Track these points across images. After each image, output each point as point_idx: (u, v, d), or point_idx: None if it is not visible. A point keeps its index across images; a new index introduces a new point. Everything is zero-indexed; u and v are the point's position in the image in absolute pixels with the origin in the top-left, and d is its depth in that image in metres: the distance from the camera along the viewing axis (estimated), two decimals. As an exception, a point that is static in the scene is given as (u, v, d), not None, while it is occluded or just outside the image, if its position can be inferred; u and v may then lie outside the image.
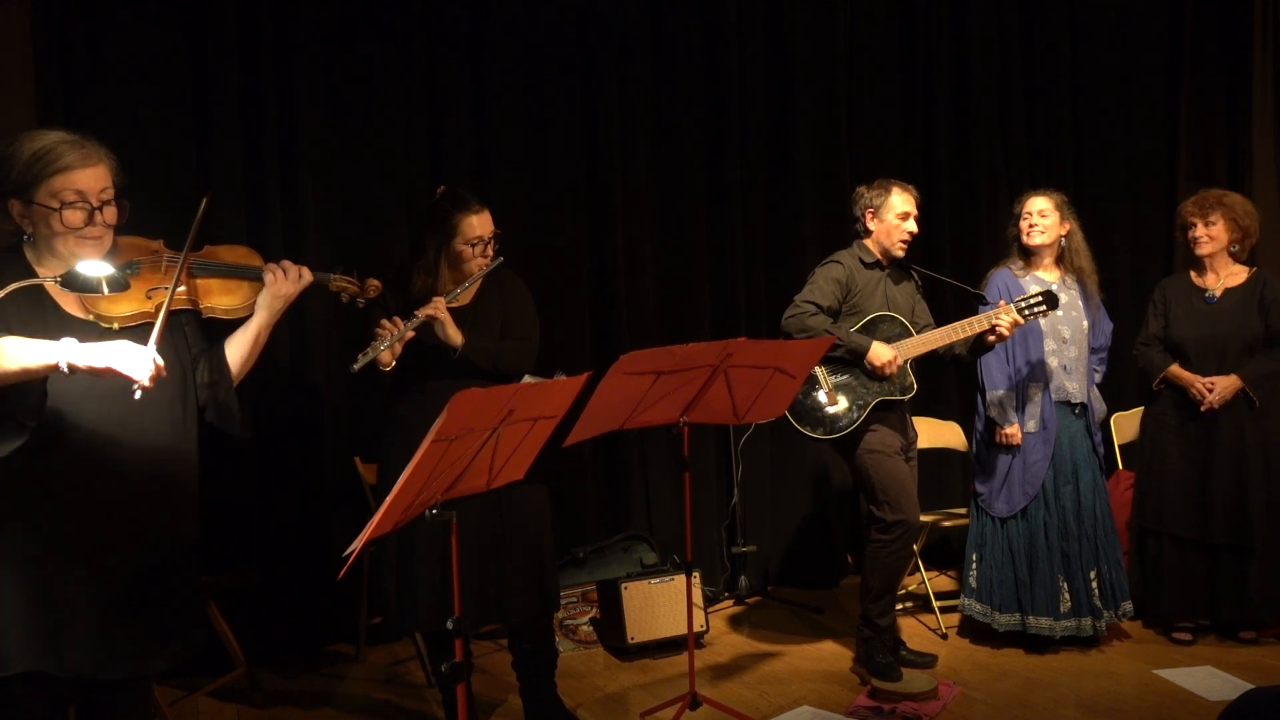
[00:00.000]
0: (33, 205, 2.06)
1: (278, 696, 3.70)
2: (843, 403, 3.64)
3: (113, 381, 1.99)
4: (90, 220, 2.08)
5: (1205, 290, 4.03)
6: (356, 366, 2.75)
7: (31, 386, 2.00)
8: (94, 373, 1.96)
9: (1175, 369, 3.97)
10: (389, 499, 2.11)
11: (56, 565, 2.07)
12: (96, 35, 3.77)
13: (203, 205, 2.19)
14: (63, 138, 2.09)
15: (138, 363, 1.96)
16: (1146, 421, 4.14)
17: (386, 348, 2.77)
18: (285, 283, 2.30)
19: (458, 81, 4.40)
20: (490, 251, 3.10)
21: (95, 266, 2.05)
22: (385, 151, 4.29)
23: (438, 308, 2.92)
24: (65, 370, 1.93)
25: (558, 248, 4.60)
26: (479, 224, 3.07)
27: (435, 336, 2.97)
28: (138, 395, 1.97)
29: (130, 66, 3.82)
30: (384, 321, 2.89)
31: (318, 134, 4.15)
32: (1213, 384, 3.87)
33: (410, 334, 2.84)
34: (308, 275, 2.35)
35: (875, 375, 3.60)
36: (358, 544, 2.11)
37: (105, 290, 2.06)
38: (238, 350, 2.32)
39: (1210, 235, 3.96)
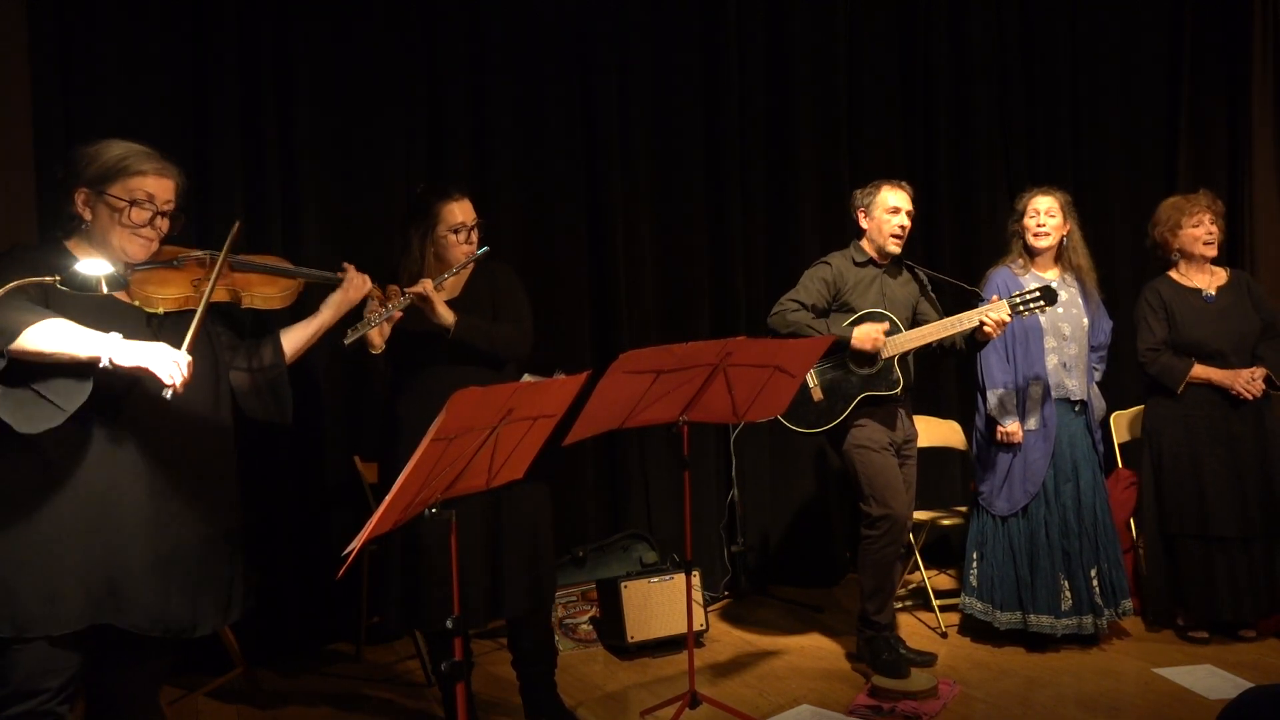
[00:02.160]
0: (103, 196, 2.26)
1: (278, 696, 3.70)
2: (827, 397, 3.66)
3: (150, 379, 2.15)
4: (150, 223, 2.30)
5: (1201, 290, 4.02)
6: (347, 341, 2.79)
7: (75, 372, 2.14)
8: (132, 371, 2.12)
9: (1203, 369, 3.91)
10: (388, 498, 2.12)
11: (110, 530, 2.22)
12: (95, 31, 3.76)
13: (235, 229, 2.40)
14: (147, 150, 2.33)
15: (170, 366, 2.12)
16: (1164, 426, 4.00)
17: (375, 325, 2.80)
18: (354, 289, 2.63)
19: (457, 80, 4.40)
20: (475, 239, 3.12)
21: (95, 266, 2.08)
22: (384, 151, 4.28)
23: (425, 287, 2.93)
24: (108, 365, 2.10)
25: (558, 247, 4.60)
26: (460, 211, 3.09)
27: (428, 323, 2.98)
28: (168, 395, 2.13)
29: (129, 63, 3.80)
30: (373, 301, 2.91)
31: (317, 133, 4.14)
32: (1254, 374, 3.87)
33: (398, 314, 2.86)
34: (368, 282, 2.67)
35: (864, 362, 3.63)
36: (357, 543, 2.12)
37: (104, 289, 2.09)
38: (294, 342, 2.59)
39: (1216, 235, 4.00)
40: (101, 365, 2.09)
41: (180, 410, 2.27)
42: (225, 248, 2.35)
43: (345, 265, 2.66)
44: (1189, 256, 4.03)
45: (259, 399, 2.52)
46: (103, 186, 2.26)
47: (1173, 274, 4.08)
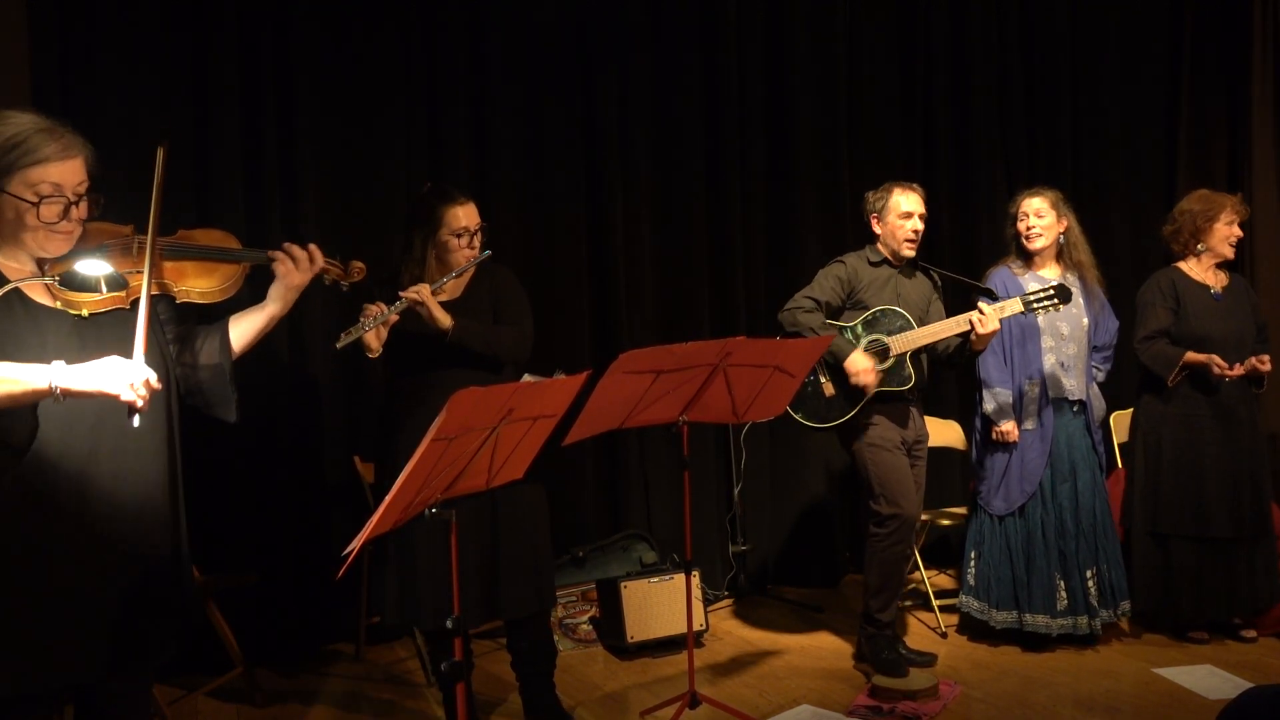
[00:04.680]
0: (3, 195, 1.92)
1: (277, 696, 3.70)
2: (837, 392, 3.66)
3: (104, 403, 1.87)
4: (65, 215, 1.96)
5: (1210, 287, 4.01)
6: (339, 345, 2.76)
7: (20, 413, 1.90)
8: (87, 397, 1.84)
9: (1193, 354, 3.86)
10: (388, 498, 2.11)
11: (49, 576, 1.94)
12: (95, 31, 3.76)
13: (160, 158, 2.01)
14: (38, 124, 1.94)
15: (129, 382, 1.84)
16: (1162, 426, 3.98)
17: (371, 329, 2.78)
18: (297, 271, 2.25)
19: (457, 78, 4.40)
20: (477, 243, 3.12)
21: (95, 266, 2.04)
22: (384, 151, 4.29)
23: (421, 292, 2.92)
24: (59, 395, 1.83)
25: (558, 247, 4.60)
26: (464, 215, 3.09)
27: (426, 325, 2.98)
28: (136, 422, 1.86)
29: (129, 64, 3.81)
30: (368, 305, 2.91)
31: (317, 129, 4.14)
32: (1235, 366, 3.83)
33: (394, 317, 2.84)
34: (319, 258, 2.29)
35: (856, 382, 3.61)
36: (357, 543, 2.11)
37: (104, 290, 2.05)
38: (242, 337, 2.25)
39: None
40: (53, 396, 1.82)
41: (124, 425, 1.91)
42: (151, 232, 2.00)
43: (285, 246, 2.27)
44: (1210, 252, 4.00)
45: (201, 396, 2.22)
46: (1, 184, 1.90)
47: (1183, 266, 4.06)
